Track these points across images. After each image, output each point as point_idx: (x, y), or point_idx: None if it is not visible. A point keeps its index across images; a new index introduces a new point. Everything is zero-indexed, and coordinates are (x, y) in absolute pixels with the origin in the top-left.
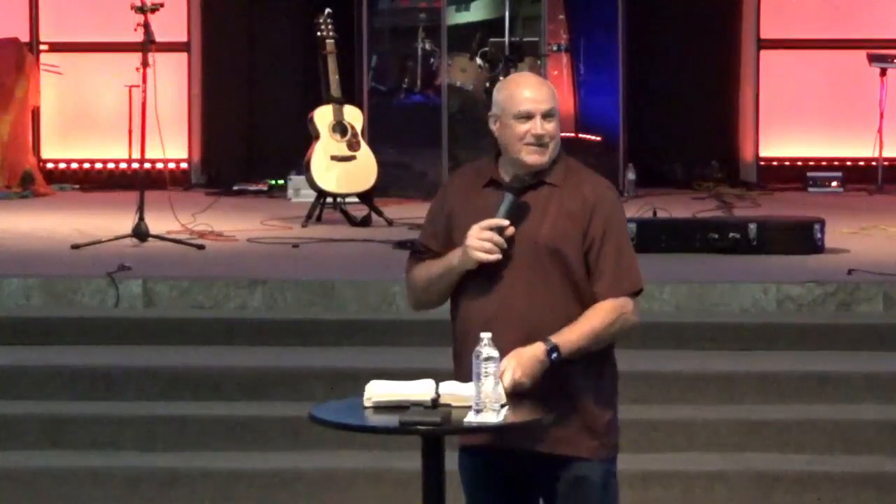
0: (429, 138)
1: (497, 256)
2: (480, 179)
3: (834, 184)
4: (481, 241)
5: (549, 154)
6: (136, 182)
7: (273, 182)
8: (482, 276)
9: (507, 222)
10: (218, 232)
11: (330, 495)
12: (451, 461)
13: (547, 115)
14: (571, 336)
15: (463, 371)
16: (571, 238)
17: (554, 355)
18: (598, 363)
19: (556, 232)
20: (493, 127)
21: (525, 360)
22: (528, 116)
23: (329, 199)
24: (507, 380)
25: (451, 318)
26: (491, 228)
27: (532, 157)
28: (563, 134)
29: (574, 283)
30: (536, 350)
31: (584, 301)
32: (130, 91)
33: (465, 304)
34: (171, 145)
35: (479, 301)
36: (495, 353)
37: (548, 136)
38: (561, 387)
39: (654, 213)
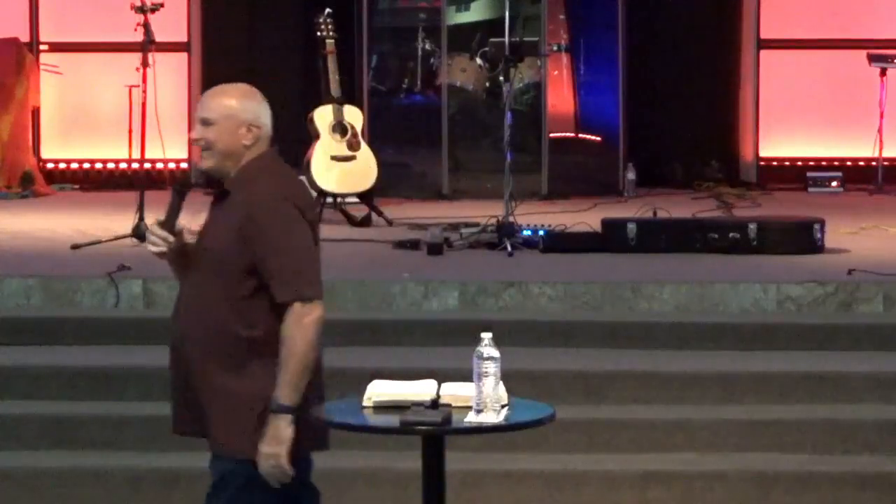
0: (429, 138)
1: (160, 250)
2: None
3: (834, 184)
4: (150, 235)
5: (215, 160)
6: (136, 182)
7: None
8: (186, 280)
9: (161, 217)
10: None
11: (330, 495)
12: (451, 461)
13: (204, 122)
14: (284, 388)
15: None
16: (231, 245)
17: (282, 413)
18: (239, 360)
19: (218, 239)
20: None
21: (282, 443)
22: (195, 121)
23: (329, 199)
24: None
25: None
26: (159, 223)
27: (200, 162)
28: (563, 134)
29: (229, 296)
30: (280, 430)
31: (247, 314)
32: (130, 91)
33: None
34: (171, 145)
35: (178, 304)
36: (495, 353)
37: (204, 142)
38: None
39: (654, 213)
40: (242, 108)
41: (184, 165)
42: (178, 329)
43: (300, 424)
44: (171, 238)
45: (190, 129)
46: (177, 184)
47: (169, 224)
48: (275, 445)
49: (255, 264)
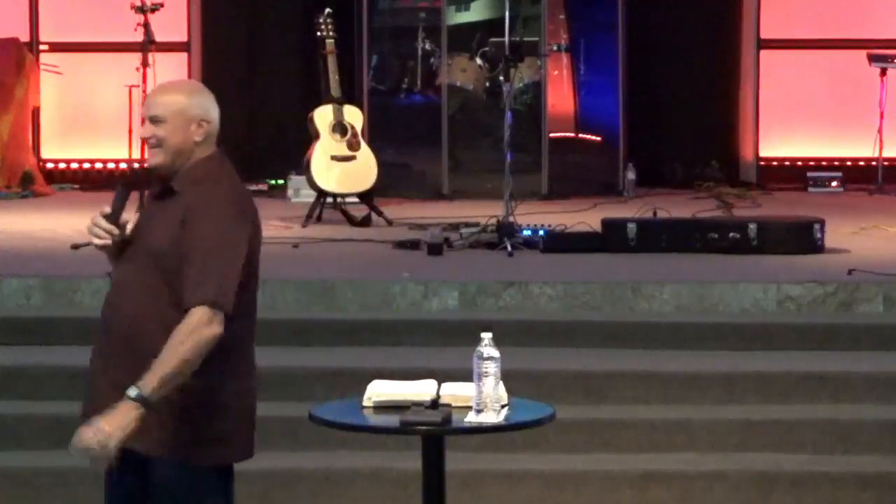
0: (429, 138)
1: (104, 242)
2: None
3: (834, 184)
4: (92, 226)
5: (163, 158)
6: (136, 182)
7: (273, 182)
8: (115, 271)
9: (107, 210)
10: None
11: (330, 495)
12: (451, 461)
13: (154, 120)
14: (154, 381)
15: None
16: (169, 247)
17: (140, 403)
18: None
19: (159, 238)
20: None
21: (123, 429)
22: (142, 119)
23: (329, 199)
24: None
25: None
26: (103, 215)
27: (148, 158)
28: (563, 134)
29: (171, 292)
30: (128, 416)
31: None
32: (130, 91)
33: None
34: None
35: (107, 296)
36: (495, 353)
37: (154, 139)
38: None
39: (654, 213)
40: (192, 103)
41: None
42: (119, 325)
43: (233, 434)
44: (115, 231)
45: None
46: (125, 176)
47: (114, 217)
48: (115, 426)
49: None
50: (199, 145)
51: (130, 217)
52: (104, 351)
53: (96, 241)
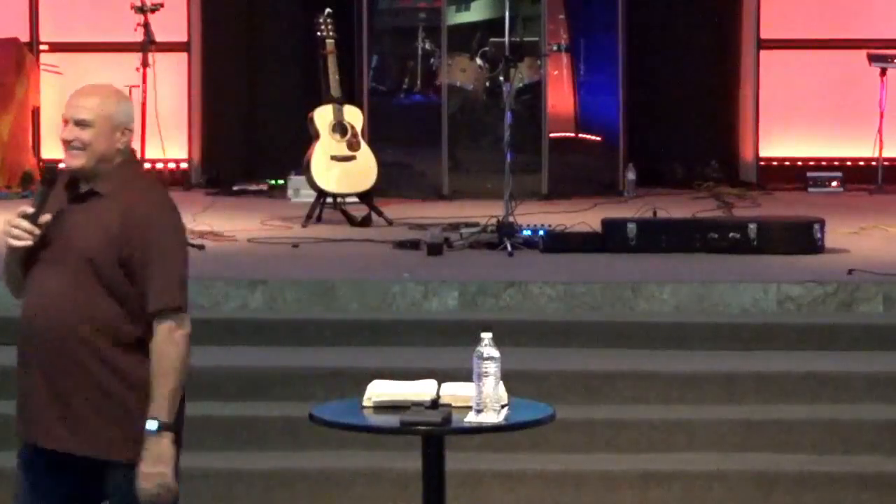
0: (429, 138)
1: (25, 243)
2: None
3: (834, 184)
4: (11, 228)
5: (85, 161)
6: None
7: (273, 182)
8: (35, 274)
9: (30, 210)
10: (218, 232)
11: (330, 495)
12: (451, 461)
13: (80, 123)
14: (163, 406)
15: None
16: (105, 250)
17: (165, 430)
18: (120, 358)
19: (91, 242)
20: None
21: (168, 462)
22: (64, 121)
23: (329, 199)
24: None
25: None
26: (23, 215)
27: (67, 160)
28: (563, 134)
29: (110, 293)
30: (164, 448)
31: (130, 312)
32: (130, 91)
33: (24, 300)
34: (171, 145)
35: (28, 298)
36: (495, 353)
37: (78, 142)
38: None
39: (654, 213)
40: (119, 110)
41: (184, 165)
42: (57, 333)
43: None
44: (37, 232)
45: (190, 129)
46: (46, 174)
47: (36, 217)
48: (161, 465)
49: (132, 267)
50: (120, 152)
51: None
52: (41, 362)
53: (16, 242)
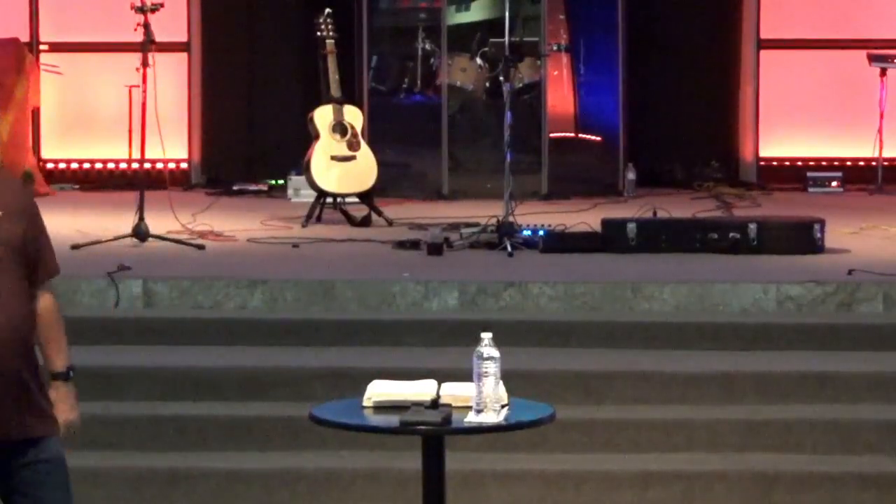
0: (429, 138)
1: None
2: None
3: (834, 184)
4: None
5: None
6: (136, 182)
7: (273, 182)
8: None
9: None
10: (218, 232)
11: (330, 495)
12: (451, 461)
13: None
14: (67, 356)
15: None
16: (21, 235)
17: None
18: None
19: (14, 231)
20: None
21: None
22: None
23: (329, 199)
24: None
25: None
26: None
27: None
28: (563, 134)
29: (28, 280)
30: (75, 394)
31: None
32: (130, 91)
33: None
34: (171, 145)
35: None
36: (495, 353)
37: None
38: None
39: (654, 213)
40: None
41: (184, 165)
42: (6, 323)
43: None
44: None
45: (190, 129)
46: None
47: None
48: (76, 409)
49: (32, 245)
50: None
51: None
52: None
53: None
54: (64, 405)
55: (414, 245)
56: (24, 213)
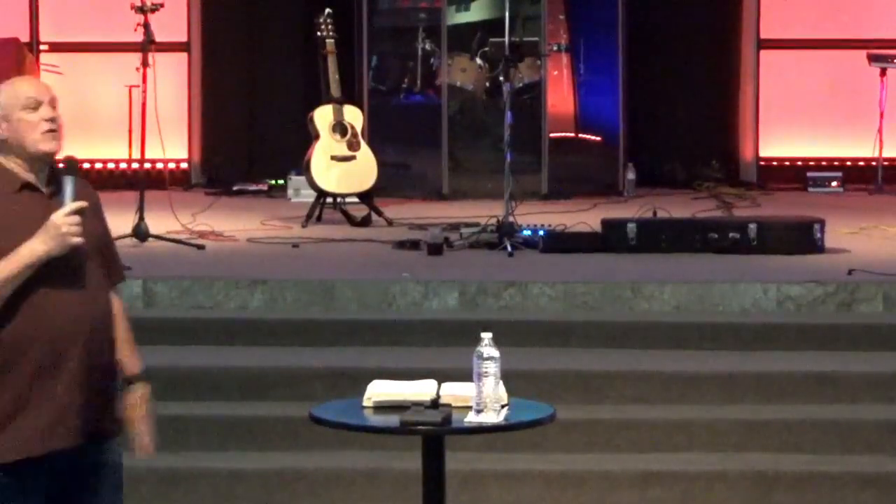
0: (429, 138)
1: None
2: (3, 187)
3: (834, 184)
4: (75, 227)
5: (61, 142)
6: (136, 182)
7: (273, 182)
8: (55, 275)
9: (85, 204)
10: (218, 232)
11: (330, 495)
12: (451, 461)
13: (52, 103)
14: (138, 354)
15: (52, 379)
16: (100, 233)
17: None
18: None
19: (95, 227)
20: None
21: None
22: (38, 103)
23: (329, 199)
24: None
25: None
26: (74, 212)
27: (49, 144)
28: (563, 134)
29: (106, 275)
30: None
31: None
32: (130, 91)
33: (45, 308)
34: (171, 145)
35: (66, 302)
36: (495, 353)
37: (57, 122)
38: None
39: (654, 213)
40: None
41: (184, 165)
42: (86, 323)
43: None
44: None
45: (190, 129)
46: (72, 164)
47: (84, 209)
48: (154, 412)
49: (106, 246)
50: None
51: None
52: (82, 359)
53: (78, 239)
54: (146, 406)
55: (414, 245)
56: (98, 213)
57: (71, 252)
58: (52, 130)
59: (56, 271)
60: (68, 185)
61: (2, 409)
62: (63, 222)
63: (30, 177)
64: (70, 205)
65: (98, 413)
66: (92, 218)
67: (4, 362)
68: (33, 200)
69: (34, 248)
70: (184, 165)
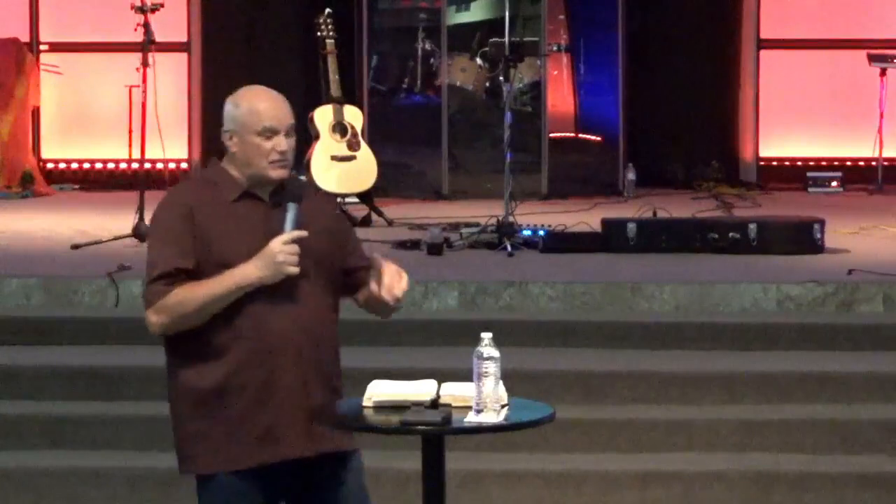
0: (429, 138)
1: (297, 268)
2: (224, 194)
3: (834, 184)
4: (292, 256)
5: (289, 168)
6: (136, 182)
7: None
8: (274, 291)
9: (305, 233)
10: None
11: None
12: (451, 461)
13: (289, 132)
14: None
15: (266, 393)
16: (336, 252)
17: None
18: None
19: (328, 246)
20: (229, 142)
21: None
22: (274, 133)
23: None
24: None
25: (201, 336)
26: (293, 240)
27: (277, 173)
28: (563, 134)
29: (335, 292)
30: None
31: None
32: (130, 91)
33: (262, 322)
34: (171, 145)
35: (283, 317)
36: (495, 353)
37: (290, 153)
38: (327, 383)
39: (654, 213)
40: None
41: (184, 165)
42: (308, 337)
43: None
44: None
45: (190, 129)
46: (289, 192)
47: (302, 239)
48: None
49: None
50: None
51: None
52: (300, 373)
53: (293, 269)
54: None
55: (414, 245)
56: (332, 232)
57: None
58: (282, 160)
59: (269, 289)
60: (290, 212)
61: (218, 422)
62: (280, 250)
63: (252, 187)
64: (289, 233)
65: (317, 429)
66: (321, 236)
67: (223, 376)
68: (253, 209)
69: (247, 273)
70: (184, 165)
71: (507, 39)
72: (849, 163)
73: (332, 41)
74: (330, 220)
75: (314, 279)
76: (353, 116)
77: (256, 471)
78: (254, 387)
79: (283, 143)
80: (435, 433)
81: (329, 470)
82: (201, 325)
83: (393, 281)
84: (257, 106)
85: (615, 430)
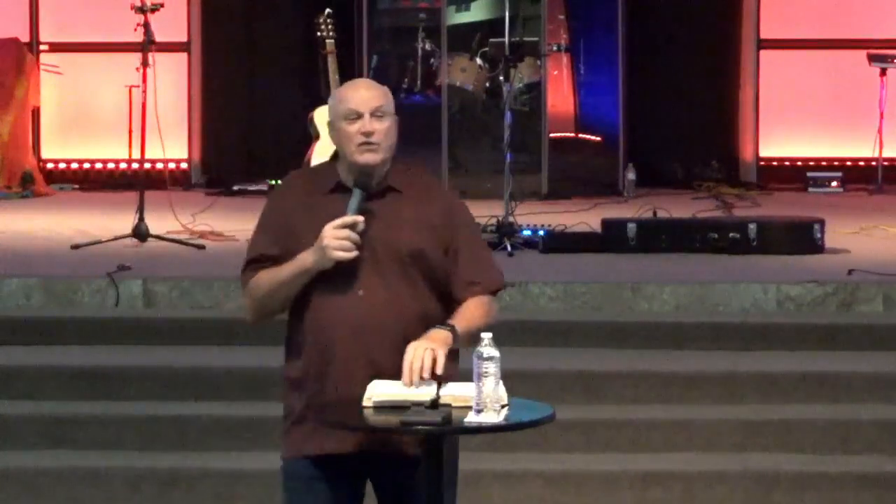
0: (429, 138)
1: (354, 254)
2: (322, 185)
3: (834, 184)
4: (339, 241)
5: (382, 156)
6: (136, 182)
7: (273, 182)
8: (337, 281)
9: (360, 218)
10: (218, 232)
11: None
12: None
13: (376, 114)
14: (463, 324)
15: (322, 384)
16: (433, 243)
17: (455, 337)
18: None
19: (418, 237)
20: (332, 136)
21: (441, 344)
22: (357, 115)
23: None
24: (440, 365)
25: (290, 328)
26: (345, 226)
27: (364, 157)
28: (563, 134)
29: (435, 287)
30: (445, 336)
31: (445, 302)
32: (130, 91)
33: (321, 313)
34: (171, 145)
35: (339, 308)
36: (495, 353)
37: (377, 135)
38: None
39: (654, 213)
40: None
41: (184, 165)
42: (383, 329)
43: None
44: (358, 239)
45: (190, 129)
46: (364, 183)
47: (355, 224)
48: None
49: (451, 256)
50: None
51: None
52: (370, 364)
53: (346, 255)
54: (426, 343)
55: None
56: (450, 226)
57: (369, 257)
58: (367, 143)
59: (347, 278)
60: (354, 198)
61: (294, 411)
62: (329, 235)
63: (348, 179)
64: (341, 218)
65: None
66: (406, 226)
67: (298, 369)
68: (344, 200)
69: (304, 259)
70: (184, 165)
71: (507, 39)
72: (849, 163)
73: (332, 41)
74: (436, 215)
75: (396, 265)
76: None
77: (326, 458)
78: (314, 378)
79: (368, 125)
80: (435, 433)
81: (394, 472)
82: (293, 319)
83: (409, 365)
84: (343, 93)
85: (615, 430)
